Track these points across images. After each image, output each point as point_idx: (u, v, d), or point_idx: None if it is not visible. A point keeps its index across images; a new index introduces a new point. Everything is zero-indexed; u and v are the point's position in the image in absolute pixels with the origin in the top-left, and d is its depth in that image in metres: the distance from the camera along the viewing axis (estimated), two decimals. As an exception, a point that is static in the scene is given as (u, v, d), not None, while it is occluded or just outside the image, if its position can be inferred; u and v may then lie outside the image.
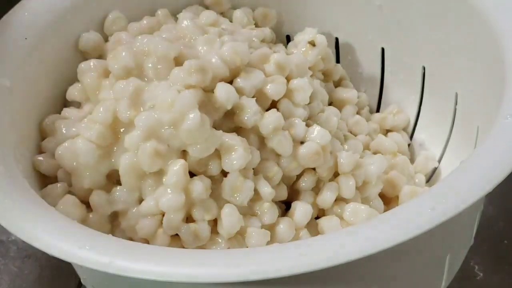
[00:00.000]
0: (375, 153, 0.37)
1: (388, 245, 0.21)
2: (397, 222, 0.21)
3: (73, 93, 0.34)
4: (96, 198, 0.29)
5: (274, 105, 0.31)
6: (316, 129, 0.31)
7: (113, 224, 0.30)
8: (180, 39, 0.32)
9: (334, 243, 0.21)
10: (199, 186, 0.28)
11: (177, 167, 0.28)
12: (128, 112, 0.29)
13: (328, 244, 0.21)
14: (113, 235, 0.27)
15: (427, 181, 0.38)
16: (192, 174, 0.29)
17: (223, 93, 0.29)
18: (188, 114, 0.27)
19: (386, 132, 0.40)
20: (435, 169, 0.38)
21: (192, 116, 0.27)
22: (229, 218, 0.28)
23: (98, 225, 0.29)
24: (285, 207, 0.32)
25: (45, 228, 0.24)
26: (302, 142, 0.31)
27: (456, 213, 0.21)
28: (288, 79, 0.32)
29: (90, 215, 0.29)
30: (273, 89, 0.30)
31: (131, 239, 0.29)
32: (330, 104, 0.39)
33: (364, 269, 0.24)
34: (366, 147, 0.37)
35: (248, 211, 0.30)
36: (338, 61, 0.43)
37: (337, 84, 0.42)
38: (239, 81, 0.30)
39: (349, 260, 0.20)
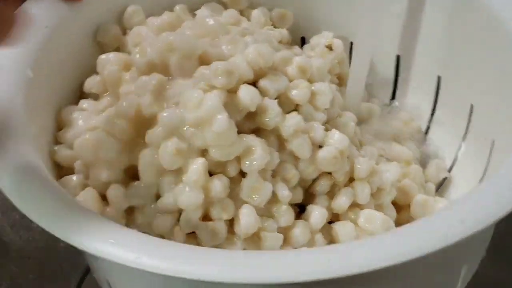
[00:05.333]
0: (388, 160, 0.37)
1: (415, 255, 0.21)
2: (426, 233, 0.21)
3: (91, 85, 0.34)
4: (113, 192, 0.29)
5: (294, 108, 0.31)
6: (335, 134, 0.31)
7: (128, 219, 0.30)
8: (203, 36, 0.32)
9: (362, 251, 0.21)
10: (218, 185, 0.28)
11: (197, 166, 0.28)
12: (152, 108, 0.28)
13: (357, 252, 0.21)
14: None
15: (437, 190, 0.38)
16: (209, 174, 0.29)
17: (247, 96, 0.29)
18: (215, 116, 0.27)
19: (398, 140, 0.40)
20: (445, 179, 0.38)
21: (220, 119, 0.27)
22: (247, 218, 0.28)
23: (113, 219, 0.29)
24: (298, 209, 0.32)
25: (67, 218, 0.24)
26: (320, 146, 0.31)
27: (485, 226, 0.21)
28: (308, 82, 0.32)
29: (107, 209, 0.29)
30: (298, 95, 0.30)
31: (146, 234, 0.29)
32: (343, 109, 0.40)
33: (388, 278, 0.24)
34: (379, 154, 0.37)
35: (264, 212, 0.29)
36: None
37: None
38: (263, 83, 0.30)
39: (378, 268, 0.21)
